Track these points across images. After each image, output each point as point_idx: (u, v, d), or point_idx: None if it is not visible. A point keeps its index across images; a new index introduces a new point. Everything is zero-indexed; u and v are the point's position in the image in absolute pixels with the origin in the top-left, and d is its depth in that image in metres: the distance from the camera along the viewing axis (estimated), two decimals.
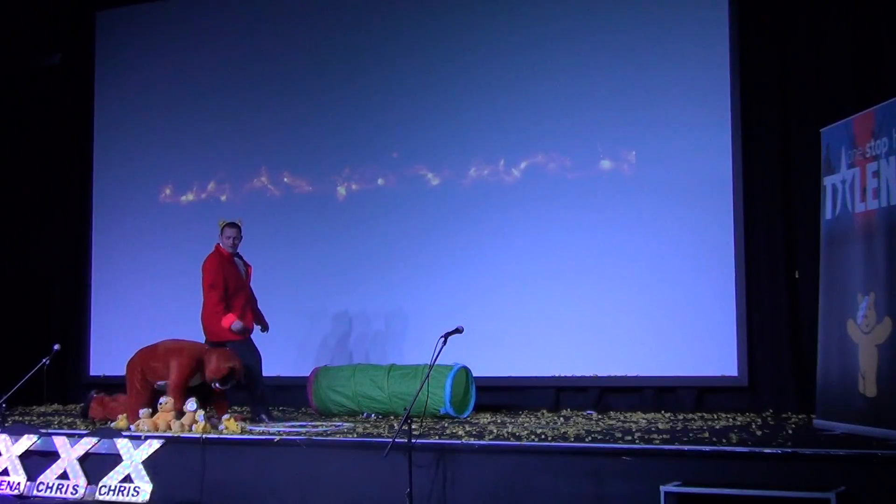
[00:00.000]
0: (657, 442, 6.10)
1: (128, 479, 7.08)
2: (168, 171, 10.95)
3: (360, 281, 9.91)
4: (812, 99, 8.38)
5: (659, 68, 8.94)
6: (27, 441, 7.55)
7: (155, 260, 10.85)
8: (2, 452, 7.56)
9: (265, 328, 8.64)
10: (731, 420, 7.79)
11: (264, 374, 8.46)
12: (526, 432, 6.83)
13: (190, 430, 7.30)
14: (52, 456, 7.41)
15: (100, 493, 7.11)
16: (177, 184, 10.91)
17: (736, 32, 8.72)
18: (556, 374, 9.05)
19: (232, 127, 10.66)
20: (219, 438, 7.08)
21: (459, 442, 6.41)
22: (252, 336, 8.48)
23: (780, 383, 8.35)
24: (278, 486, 6.68)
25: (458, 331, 6.42)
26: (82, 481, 7.23)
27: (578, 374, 8.98)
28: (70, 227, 11.45)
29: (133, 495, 7.00)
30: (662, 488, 5.52)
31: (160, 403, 7.65)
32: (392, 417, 8.38)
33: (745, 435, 6.42)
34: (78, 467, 7.28)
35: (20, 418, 8.87)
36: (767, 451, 5.62)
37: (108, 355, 10.90)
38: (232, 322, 8.10)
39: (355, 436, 6.93)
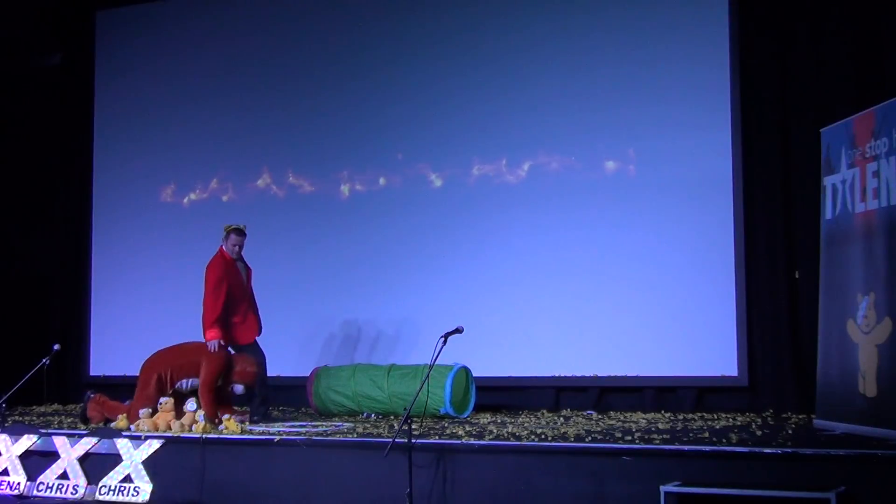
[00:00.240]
0: (657, 442, 6.10)
1: (128, 479, 7.08)
2: (168, 171, 10.94)
3: (359, 281, 9.91)
4: (812, 99, 8.38)
5: (659, 68, 8.94)
6: (27, 441, 7.55)
7: (155, 260, 10.85)
8: (2, 452, 7.55)
9: (260, 330, 8.62)
10: (731, 420, 7.79)
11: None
12: (526, 432, 6.83)
13: (190, 430, 7.30)
14: (52, 456, 7.41)
15: (100, 493, 7.11)
16: (177, 184, 10.90)
17: (736, 32, 8.72)
18: (556, 374, 9.05)
19: (232, 127, 10.65)
20: (219, 438, 7.08)
21: (459, 442, 6.41)
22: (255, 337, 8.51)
23: (780, 383, 8.35)
24: (278, 486, 6.68)
25: (458, 331, 6.41)
26: (82, 481, 7.23)
27: (578, 374, 8.98)
28: (70, 228, 11.45)
29: (133, 495, 7.00)
30: (662, 488, 5.52)
31: (160, 403, 7.66)
32: (392, 417, 8.38)
33: (745, 435, 6.42)
34: (78, 467, 7.28)
35: (20, 418, 8.87)
36: (767, 451, 5.62)
37: (108, 355, 10.92)
38: (212, 339, 8.01)
39: (355, 436, 6.94)
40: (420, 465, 6.12)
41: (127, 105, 11.24)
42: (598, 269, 9.00)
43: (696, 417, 8.10)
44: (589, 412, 8.72)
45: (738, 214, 8.58)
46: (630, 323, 8.81)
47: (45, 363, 8.56)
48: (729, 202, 8.61)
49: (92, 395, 8.35)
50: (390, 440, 6.06)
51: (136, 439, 7.22)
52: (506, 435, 6.72)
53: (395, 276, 9.77)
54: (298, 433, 7.11)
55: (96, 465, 7.25)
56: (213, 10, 10.96)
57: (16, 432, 7.67)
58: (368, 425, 7.74)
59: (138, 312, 10.79)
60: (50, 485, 7.30)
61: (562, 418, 8.24)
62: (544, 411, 8.86)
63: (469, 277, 9.45)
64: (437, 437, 6.66)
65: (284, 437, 6.89)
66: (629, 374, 8.79)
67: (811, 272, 7.67)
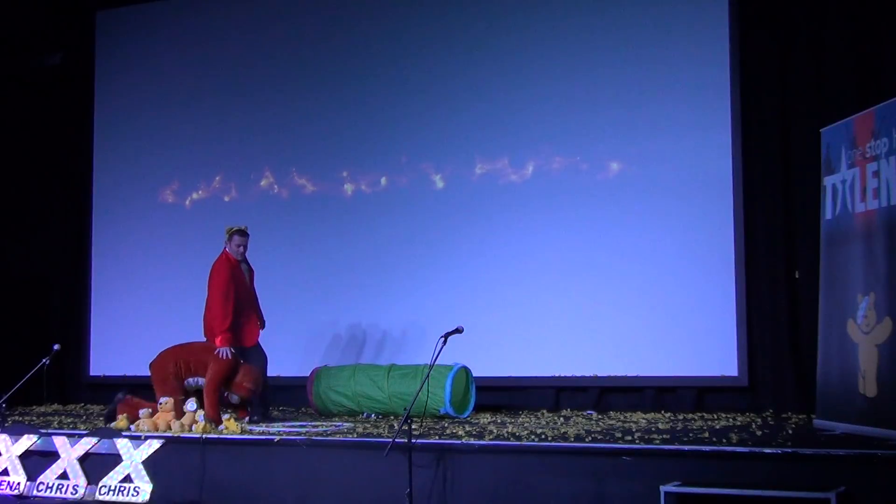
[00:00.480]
0: (657, 442, 6.10)
1: (128, 479, 7.08)
2: (168, 172, 10.94)
3: (360, 280, 9.90)
4: (812, 99, 8.38)
5: (659, 68, 8.94)
6: (27, 441, 7.55)
7: (155, 260, 10.85)
8: (2, 452, 7.55)
9: (263, 325, 8.64)
10: (731, 420, 7.78)
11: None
12: (526, 432, 6.83)
13: (190, 430, 7.30)
14: (52, 456, 7.41)
15: (100, 493, 7.11)
16: (177, 184, 10.90)
17: (736, 32, 8.72)
18: (556, 374, 9.05)
19: (232, 127, 10.65)
20: (219, 438, 7.08)
21: (459, 442, 6.40)
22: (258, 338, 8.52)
23: (780, 383, 8.35)
24: (278, 486, 6.68)
25: (458, 331, 6.41)
26: (82, 481, 7.23)
27: (578, 374, 8.98)
28: (70, 228, 11.45)
29: (133, 495, 7.00)
30: (662, 488, 5.52)
31: (160, 403, 7.66)
32: (392, 417, 8.38)
33: (745, 435, 6.42)
34: (78, 467, 7.28)
35: (20, 418, 8.87)
36: (767, 451, 5.62)
37: (108, 355, 10.92)
38: (222, 346, 7.98)
39: (355, 436, 6.94)
40: (420, 465, 6.12)
41: (127, 105, 11.24)
42: (597, 268, 9.00)
43: (696, 417, 8.10)
44: (589, 412, 8.72)
45: (738, 214, 8.58)
46: (630, 323, 8.81)
47: (45, 363, 8.55)
48: (729, 202, 8.61)
49: (123, 397, 8.18)
50: (390, 440, 6.05)
51: (136, 439, 7.22)
52: (506, 435, 6.72)
53: (395, 275, 9.77)
54: (298, 433, 7.11)
55: (96, 465, 7.25)
56: (213, 10, 10.96)
57: (16, 432, 7.67)
58: (368, 425, 7.74)
59: (138, 312, 10.79)
60: (50, 485, 7.30)
61: (562, 418, 8.24)
62: (544, 411, 8.86)
63: (469, 277, 9.45)
64: (437, 437, 6.66)
65: (284, 437, 6.89)
66: (629, 374, 8.79)
67: (811, 272, 7.67)
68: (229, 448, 6.99)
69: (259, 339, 8.49)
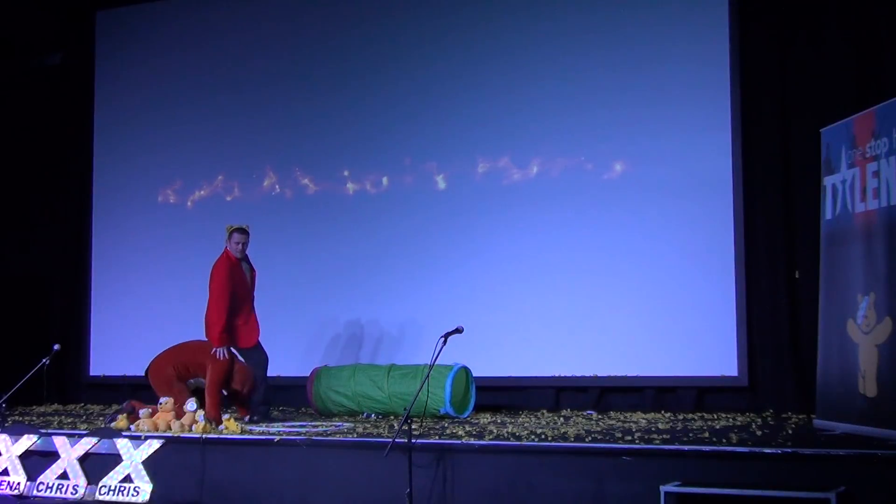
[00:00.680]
0: (657, 442, 6.10)
1: (128, 479, 7.08)
2: (168, 172, 10.94)
3: (361, 280, 9.91)
4: (812, 99, 8.38)
5: (659, 68, 8.94)
6: (27, 441, 7.55)
7: (155, 260, 10.85)
8: (2, 452, 7.55)
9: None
10: (731, 420, 7.78)
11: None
12: (526, 432, 6.83)
13: (190, 430, 7.30)
14: (52, 456, 7.41)
15: (100, 493, 7.11)
16: (177, 184, 10.90)
17: (736, 32, 8.73)
18: (556, 374, 9.05)
19: (234, 126, 10.65)
20: (219, 438, 7.08)
21: (459, 442, 6.40)
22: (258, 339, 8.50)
23: (780, 383, 8.35)
24: (278, 486, 6.68)
25: (458, 331, 6.41)
26: (82, 481, 7.22)
27: (578, 374, 8.98)
28: (70, 228, 11.45)
29: (133, 495, 7.00)
30: (662, 488, 5.52)
31: (160, 403, 7.66)
32: (392, 417, 8.38)
33: (745, 435, 6.42)
34: (78, 467, 7.28)
35: (20, 418, 8.87)
36: (767, 451, 5.62)
37: (107, 355, 10.92)
38: (219, 346, 8.01)
39: (355, 436, 6.94)
40: (420, 465, 6.12)
41: (127, 105, 11.24)
42: (597, 268, 9.00)
43: (696, 417, 8.10)
44: (589, 412, 8.72)
45: (738, 214, 8.59)
46: (630, 323, 8.81)
47: (45, 363, 8.55)
48: (729, 202, 8.61)
49: (128, 406, 8.08)
50: (390, 440, 6.05)
51: (136, 439, 7.22)
52: (506, 435, 6.72)
53: (396, 275, 9.77)
54: (298, 433, 7.11)
55: (96, 465, 7.24)
56: (213, 10, 10.96)
57: (16, 432, 7.67)
58: (368, 425, 7.74)
59: (138, 313, 10.79)
60: (50, 485, 7.30)
61: (562, 418, 8.24)
62: (544, 411, 8.86)
63: (470, 277, 9.45)
64: (437, 437, 6.65)
65: (284, 437, 6.89)
66: (629, 374, 8.79)
67: (811, 272, 7.67)
68: (229, 448, 6.99)
69: (259, 340, 8.48)
